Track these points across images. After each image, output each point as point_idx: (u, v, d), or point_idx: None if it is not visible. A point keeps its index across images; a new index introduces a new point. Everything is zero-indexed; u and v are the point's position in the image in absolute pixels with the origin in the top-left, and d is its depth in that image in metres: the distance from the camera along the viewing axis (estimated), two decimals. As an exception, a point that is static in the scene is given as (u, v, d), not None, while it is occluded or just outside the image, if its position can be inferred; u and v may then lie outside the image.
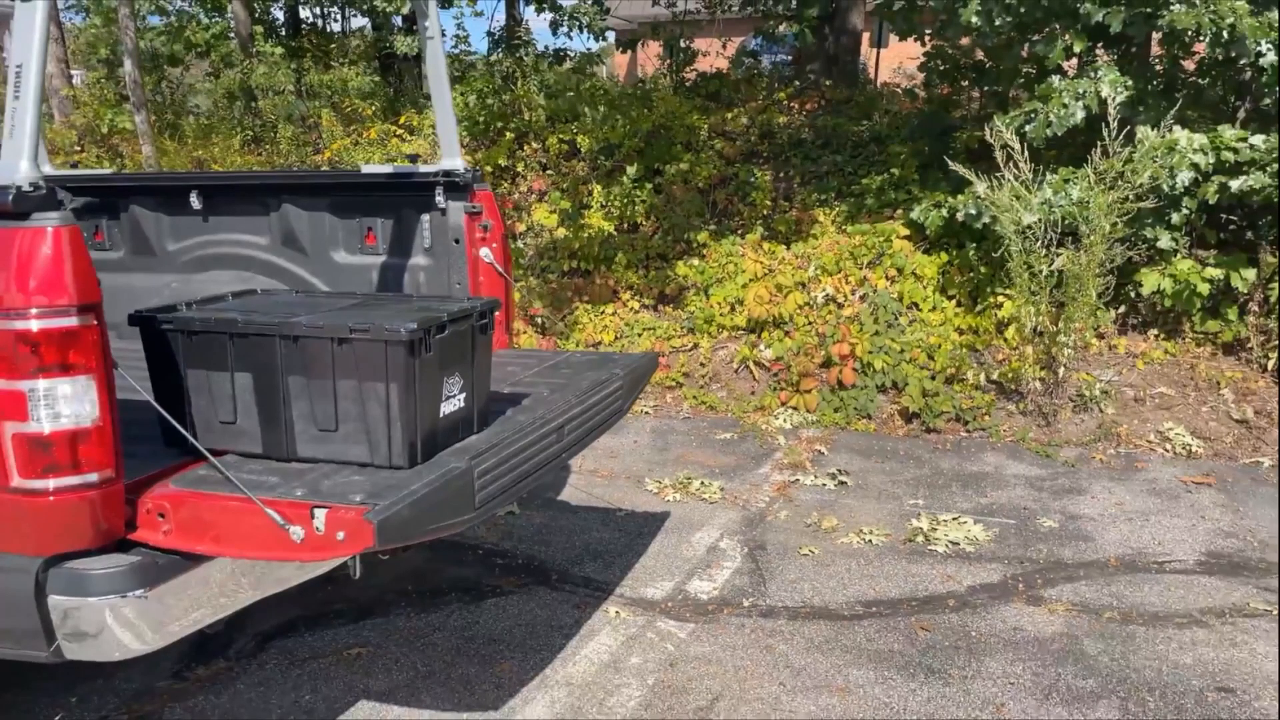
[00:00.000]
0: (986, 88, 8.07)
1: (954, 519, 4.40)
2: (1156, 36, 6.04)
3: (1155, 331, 6.19)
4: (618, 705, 3.03)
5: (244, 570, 2.14)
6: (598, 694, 3.09)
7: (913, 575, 3.89)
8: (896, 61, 13.56)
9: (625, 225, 8.06)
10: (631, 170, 8.14)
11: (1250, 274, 5.78)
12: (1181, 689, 3.10)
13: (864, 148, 8.55)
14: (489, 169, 8.74)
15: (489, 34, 12.19)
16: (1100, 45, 6.40)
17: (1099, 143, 5.63)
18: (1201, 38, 5.48)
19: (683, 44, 11.73)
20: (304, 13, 12.65)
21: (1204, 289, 5.80)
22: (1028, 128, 5.79)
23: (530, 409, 2.78)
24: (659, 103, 9.19)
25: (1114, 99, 5.61)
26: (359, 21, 13.56)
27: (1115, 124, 5.49)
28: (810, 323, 6.56)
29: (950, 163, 6.25)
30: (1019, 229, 5.63)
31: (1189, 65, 6.34)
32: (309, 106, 10.25)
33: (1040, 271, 5.64)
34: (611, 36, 14.63)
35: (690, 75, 11.07)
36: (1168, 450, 5.33)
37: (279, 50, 10.43)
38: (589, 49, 12.90)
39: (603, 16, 12.20)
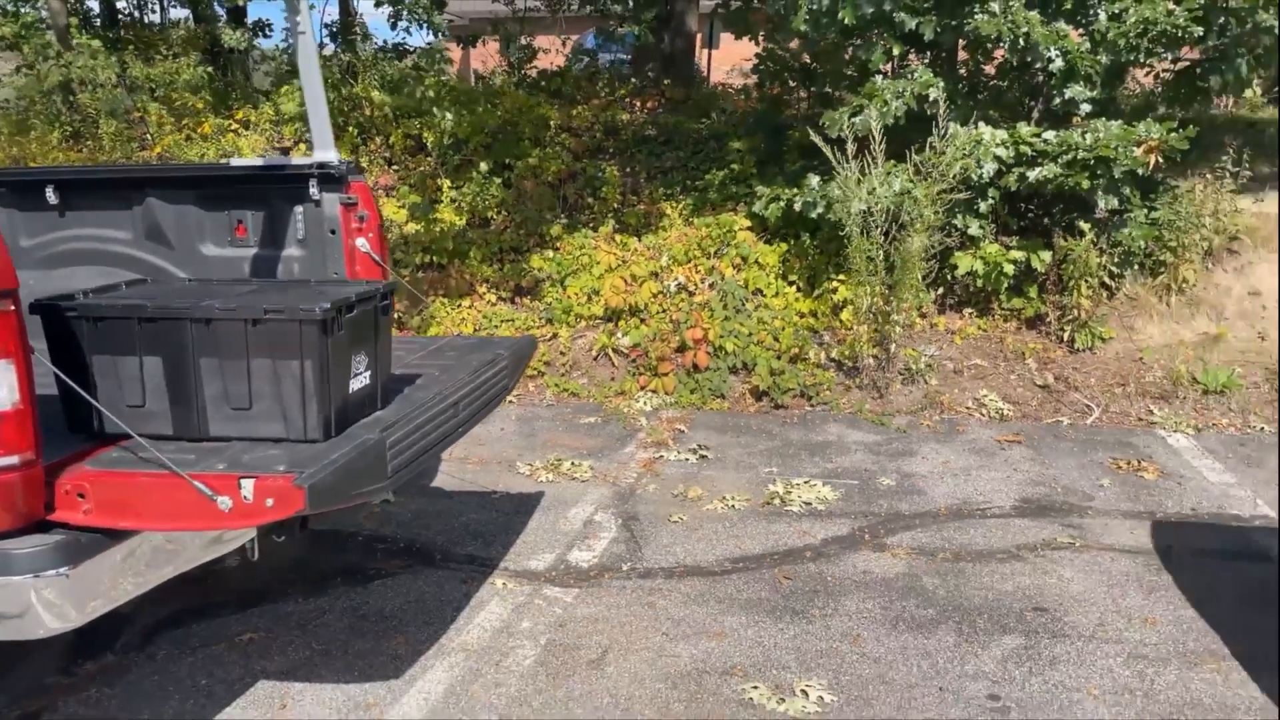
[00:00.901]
0: (814, 88, 8.66)
1: (805, 482, 4.81)
2: (963, 43, 6.70)
3: (969, 310, 6.87)
4: (514, 664, 3.22)
5: (164, 545, 2.21)
6: (494, 656, 3.27)
7: (773, 533, 4.25)
8: (730, 62, 14.17)
9: (477, 219, 8.18)
10: (483, 166, 8.26)
11: (1047, 256, 6.51)
12: (1004, 611, 3.57)
13: (704, 144, 8.98)
14: (335, 165, 8.63)
15: (325, 27, 11.94)
16: (913, 50, 7.02)
17: (916, 140, 6.22)
18: (1001, 44, 6.14)
19: (523, 41, 11.89)
20: (121, 3, 12.00)
21: (1009, 270, 6.49)
22: (855, 121, 6.30)
23: (426, 387, 2.93)
24: (504, 98, 9.33)
25: (929, 98, 6.20)
26: (179, 12, 12.96)
27: (941, 121, 6.07)
28: (664, 310, 6.89)
29: (789, 159, 6.73)
30: (851, 219, 6.12)
31: (990, 69, 7.05)
32: (134, 100, 9.78)
33: (874, 258, 6.15)
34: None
35: (531, 72, 11.24)
36: (983, 414, 5.95)
37: (96, 42, 9.88)
38: (429, 44, 12.83)
39: (440, 10, 12.19)
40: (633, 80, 10.75)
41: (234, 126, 9.30)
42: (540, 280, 7.45)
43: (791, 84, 8.99)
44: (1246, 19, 6.20)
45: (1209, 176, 7.14)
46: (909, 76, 6.33)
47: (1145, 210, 6.60)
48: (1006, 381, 6.30)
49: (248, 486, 2.06)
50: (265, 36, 12.08)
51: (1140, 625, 3.46)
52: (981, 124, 6.28)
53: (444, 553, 4.09)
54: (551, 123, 9.10)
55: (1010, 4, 5.97)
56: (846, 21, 6.18)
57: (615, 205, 8.15)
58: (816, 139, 6.34)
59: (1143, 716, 2.93)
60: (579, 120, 9.46)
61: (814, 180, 6.62)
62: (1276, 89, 9.34)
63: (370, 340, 2.58)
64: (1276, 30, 6.14)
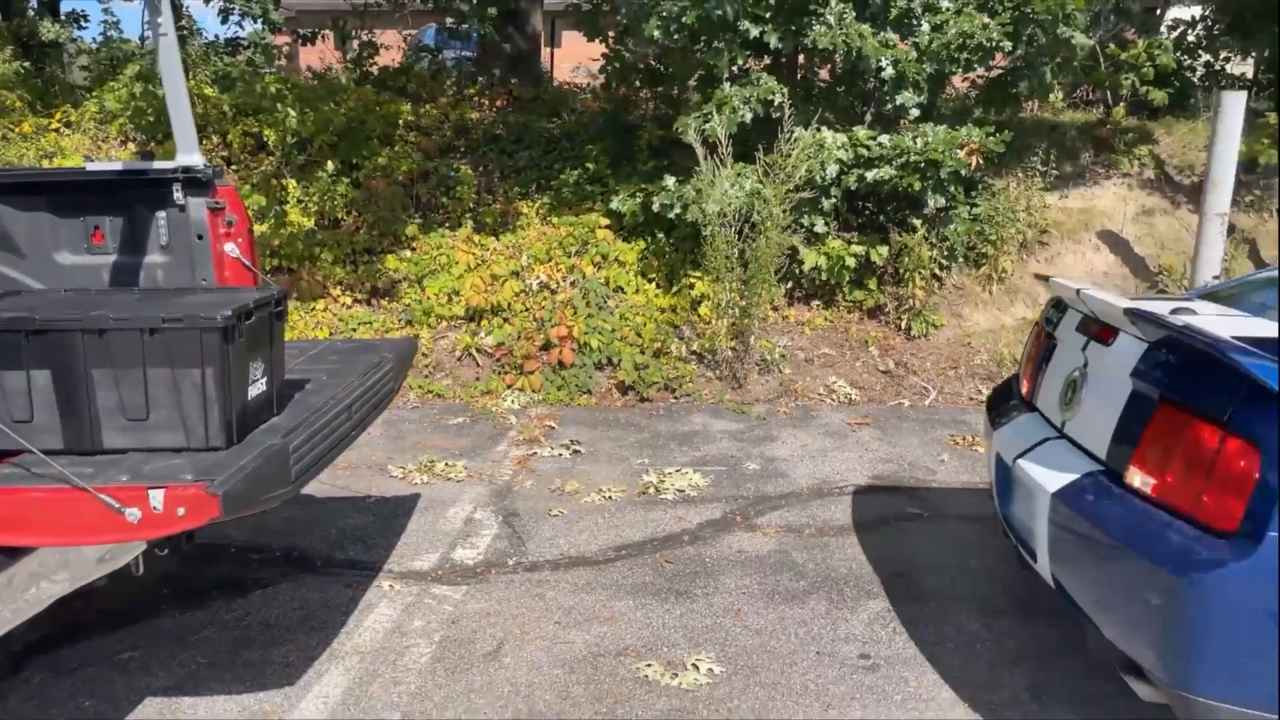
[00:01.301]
0: (661, 90, 8.92)
1: (677, 471, 5.02)
2: (801, 51, 7.08)
3: (816, 302, 7.28)
4: (410, 663, 3.26)
5: (60, 561, 2.16)
6: (389, 656, 3.29)
7: (651, 521, 4.43)
8: (572, 61, 14.30)
9: (326, 220, 8.00)
10: (330, 165, 8.08)
11: (884, 250, 6.99)
12: (868, 578, 3.88)
13: (557, 144, 9.09)
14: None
15: (146, 22, 11.29)
16: (753, 56, 7.37)
17: (762, 142, 6.55)
18: (836, 55, 6.54)
19: (364, 36, 11.63)
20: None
21: (850, 264, 6.93)
22: (706, 126, 6.57)
23: (319, 391, 2.94)
24: (349, 96, 9.14)
25: (774, 103, 6.54)
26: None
27: (786, 125, 6.41)
28: (527, 309, 6.97)
29: (640, 159, 6.93)
30: (706, 218, 6.39)
31: (825, 75, 7.48)
32: (-67, 95, 8.99)
33: (730, 255, 6.43)
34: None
35: (373, 69, 11.02)
36: (834, 400, 6.34)
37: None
38: (263, 39, 12.36)
39: (276, 5, 11.77)
40: (480, 79, 10.72)
41: (55, 126, 8.72)
42: (397, 281, 7.38)
43: (638, 85, 9.21)
44: (1050, 31, 6.85)
45: (1020, 175, 7.84)
46: (755, 82, 6.65)
47: (968, 207, 7.18)
48: (853, 368, 6.72)
49: (157, 497, 2.05)
50: (81, 28, 11.34)
51: (985, 583, 3.84)
52: (824, 128, 6.67)
53: (324, 559, 4.06)
54: (401, 121, 8.98)
55: (844, 17, 6.38)
56: (692, 24, 6.42)
57: (471, 205, 8.14)
58: (691, 138, 6.56)
59: (993, 661, 3.27)
60: (427, 119, 9.38)
61: (670, 181, 6.85)
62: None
63: (266, 346, 2.57)
64: (1075, 40, 6.83)
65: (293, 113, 8.18)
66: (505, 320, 6.98)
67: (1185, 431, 2.38)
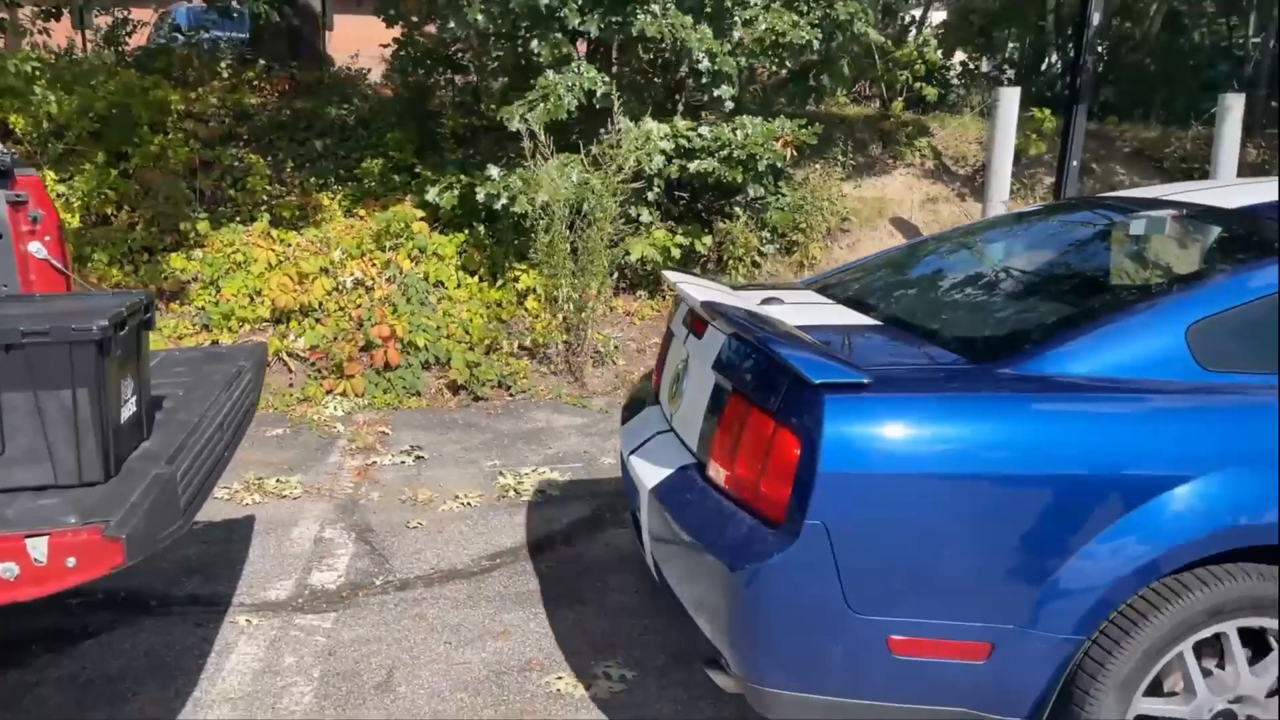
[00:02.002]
0: (462, 77, 8.64)
1: (533, 471, 4.85)
2: (619, 40, 7.04)
3: (641, 292, 7.29)
4: (292, 704, 2.93)
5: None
6: (266, 699, 2.94)
7: (518, 525, 4.25)
8: (348, 46, 13.58)
9: (94, 216, 7.13)
10: (100, 156, 7.20)
11: (708, 239, 7.10)
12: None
13: (352, 131, 8.58)
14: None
15: None
16: (578, 44, 7.26)
17: (582, 132, 6.46)
18: (663, 44, 6.56)
19: (114, 14, 10.45)
20: None
21: (676, 254, 6.99)
22: (531, 115, 6.39)
23: (182, 409, 2.55)
24: (109, 79, 8.17)
25: (597, 93, 6.47)
26: None
27: (615, 115, 6.35)
28: (342, 308, 6.52)
29: (446, 148, 6.63)
30: (535, 209, 6.21)
31: (639, 65, 7.50)
32: None
33: (561, 248, 6.29)
34: None
35: (129, 48, 9.95)
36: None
37: None
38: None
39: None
40: (261, 60, 9.93)
41: None
42: (187, 282, 6.69)
43: (437, 72, 8.86)
44: (848, 28, 7.20)
45: (818, 167, 8.22)
46: (576, 71, 6.54)
47: (776, 197, 7.43)
48: (683, 357, 6.78)
49: (38, 547, 1.68)
50: None
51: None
52: (648, 119, 6.67)
53: (159, 597, 3.58)
54: (173, 107, 8.14)
55: (668, 7, 6.40)
56: (517, 9, 6.23)
57: (264, 197, 7.51)
58: (516, 125, 6.33)
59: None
60: (202, 104, 8.55)
61: (494, 170, 6.62)
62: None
63: (134, 362, 2.19)
64: (869, 37, 7.22)
65: (52, 96, 7.21)
66: (318, 321, 6.49)
67: (747, 422, 2.34)
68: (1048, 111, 8.81)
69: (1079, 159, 7.96)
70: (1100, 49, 8.10)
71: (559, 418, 5.79)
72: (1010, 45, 11.96)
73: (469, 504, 4.47)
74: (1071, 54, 8.37)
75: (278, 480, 4.71)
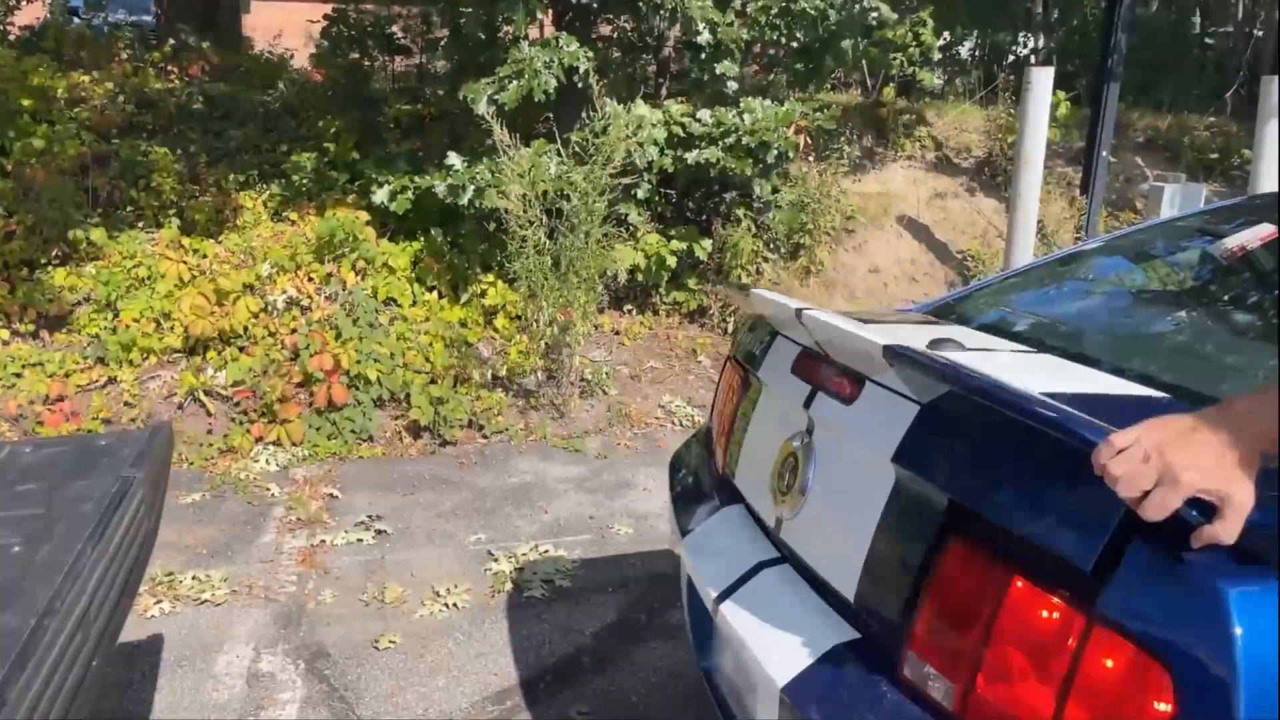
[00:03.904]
0: (419, 59, 7.49)
1: (531, 549, 3.77)
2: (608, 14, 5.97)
3: (630, 306, 6.24)
4: None
5: None
6: None
7: (529, 640, 3.17)
8: (267, 30, 12.22)
9: (-42, 225, 5.79)
10: (-35, 148, 5.86)
11: (708, 244, 6.08)
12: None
13: (277, 120, 7.33)
14: None
15: None
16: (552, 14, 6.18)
17: (565, 118, 5.38)
18: (663, 12, 5.51)
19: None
20: None
21: (671, 262, 5.96)
22: (500, 96, 5.28)
23: (29, 575, 1.42)
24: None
25: (579, 69, 5.39)
26: None
27: (598, 97, 5.27)
28: (273, 334, 5.32)
29: (391, 139, 5.52)
30: (510, 204, 5.11)
31: (629, 40, 6.43)
32: None
33: (541, 253, 5.20)
34: None
35: (11, 28, 8.55)
36: (675, 423, 5.34)
37: None
38: None
39: None
40: (172, 40, 8.60)
41: None
42: (76, 304, 5.43)
43: (376, 52, 7.68)
44: (855, 2, 6.24)
45: (812, 160, 7.25)
46: (555, 45, 5.44)
47: (782, 195, 6.45)
48: (685, 383, 5.76)
49: None
50: None
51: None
52: (640, 102, 5.61)
53: (16, 797, 2.41)
54: (59, 95, 6.80)
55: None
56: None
57: (173, 199, 6.24)
58: (482, 109, 5.22)
59: None
60: (98, 91, 7.21)
61: (455, 159, 5.49)
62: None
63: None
64: (880, 13, 6.28)
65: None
66: (242, 351, 5.29)
67: (1011, 604, 1.32)
68: (1063, 94, 7.98)
69: (1109, 148, 7.14)
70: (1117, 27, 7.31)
71: (549, 467, 4.70)
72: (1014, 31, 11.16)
73: (454, 605, 3.37)
74: (1102, 29, 7.55)
75: (195, 577, 3.54)
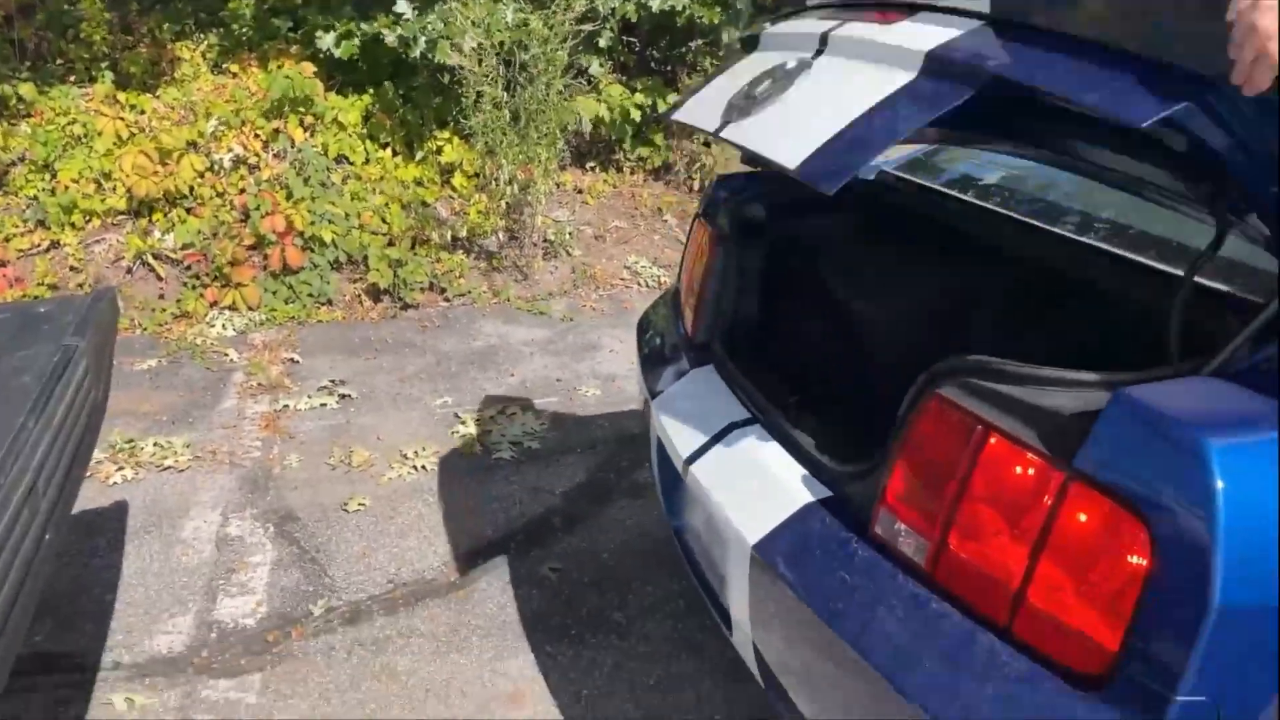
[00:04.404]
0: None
1: (498, 412, 3.75)
2: None
3: (592, 164, 6.06)
4: None
5: None
6: None
7: (498, 501, 3.18)
8: None
9: None
10: None
11: (673, 98, 5.85)
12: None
13: (213, -38, 6.83)
14: None
15: None
16: None
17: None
18: None
19: None
20: None
21: (635, 115, 5.75)
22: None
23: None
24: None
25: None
26: None
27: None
28: (221, 194, 5.11)
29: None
30: (465, 57, 4.86)
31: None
32: None
33: (500, 107, 4.98)
34: None
35: None
36: (641, 284, 5.28)
37: None
38: None
39: None
40: None
41: None
42: (11, 165, 5.15)
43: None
44: None
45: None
46: None
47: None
48: (651, 243, 5.66)
49: None
50: None
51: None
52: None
53: (-11, 663, 2.42)
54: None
55: None
56: None
57: (105, 50, 5.86)
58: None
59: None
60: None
61: (404, 7, 5.18)
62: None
63: None
64: None
65: None
66: (189, 212, 5.08)
67: (988, 457, 1.30)
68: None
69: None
70: None
71: (514, 330, 4.64)
72: None
73: (423, 468, 3.37)
74: None
75: (156, 443, 3.49)
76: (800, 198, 2.38)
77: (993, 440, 1.30)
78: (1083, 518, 1.21)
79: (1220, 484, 1.07)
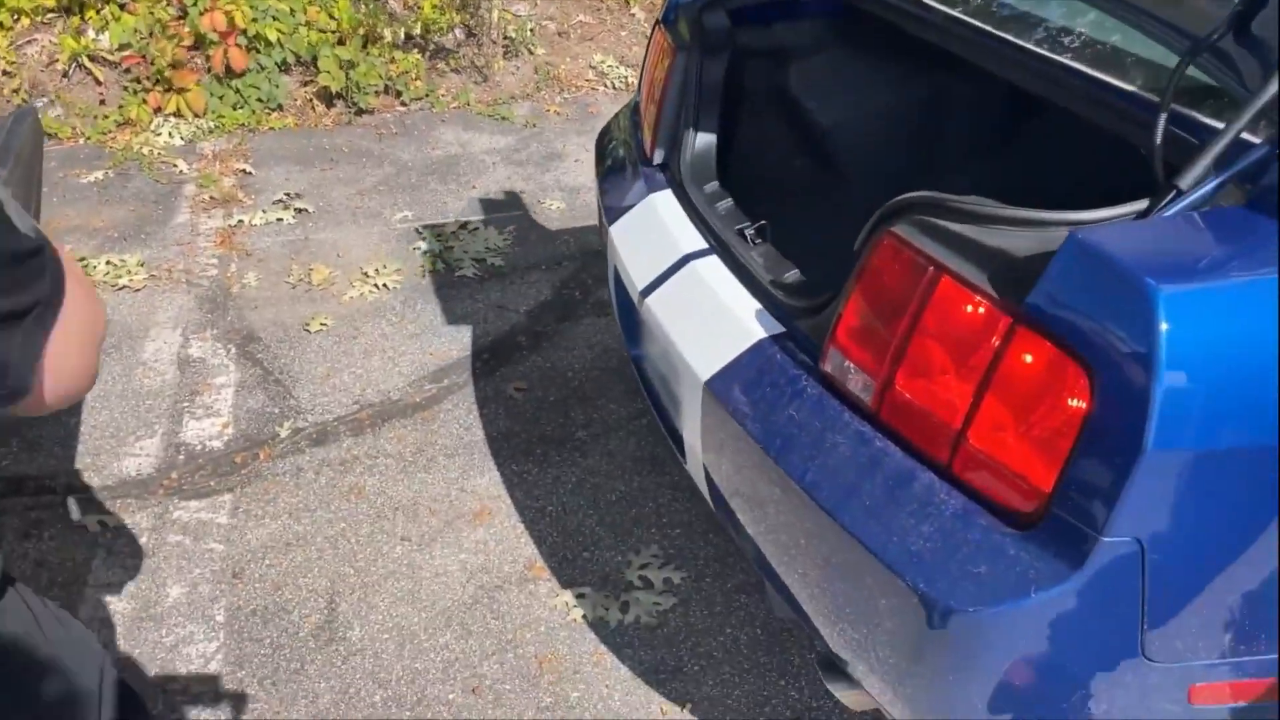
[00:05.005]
0: None
1: (460, 227, 3.68)
2: None
3: (555, -50, 5.64)
4: (195, 680, 1.99)
5: None
6: (152, 666, 1.99)
7: (463, 319, 3.16)
8: None
9: None
10: None
11: (641, -126, 5.40)
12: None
13: None
14: None
15: None
16: None
17: None
18: None
19: None
20: None
21: (600, -104, 5.31)
22: None
23: None
24: None
25: None
26: None
27: None
28: (154, -12, 4.74)
29: None
30: None
31: None
32: None
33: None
34: None
35: None
36: (608, 86, 5.06)
37: None
38: None
39: None
40: None
41: None
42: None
43: None
44: None
45: None
46: None
47: None
48: (618, 39, 5.38)
49: None
50: None
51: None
52: None
53: (-40, 488, 2.46)
54: None
55: None
56: None
57: None
58: None
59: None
60: None
61: None
62: None
63: None
64: None
65: None
66: (122, 8, 4.74)
67: (938, 300, 1.27)
68: None
69: None
70: None
71: (475, 138, 4.47)
72: None
73: (385, 286, 3.32)
74: None
75: (109, 261, 3.41)
76: (767, 2, 2.24)
77: (944, 281, 1.27)
78: (1028, 359, 1.20)
79: (1164, 329, 1.05)
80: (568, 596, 2.16)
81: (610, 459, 2.57)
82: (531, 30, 5.19)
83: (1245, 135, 1.21)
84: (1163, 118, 1.28)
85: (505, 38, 5.09)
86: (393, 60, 4.82)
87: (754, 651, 2.07)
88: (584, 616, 2.11)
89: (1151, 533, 1.12)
